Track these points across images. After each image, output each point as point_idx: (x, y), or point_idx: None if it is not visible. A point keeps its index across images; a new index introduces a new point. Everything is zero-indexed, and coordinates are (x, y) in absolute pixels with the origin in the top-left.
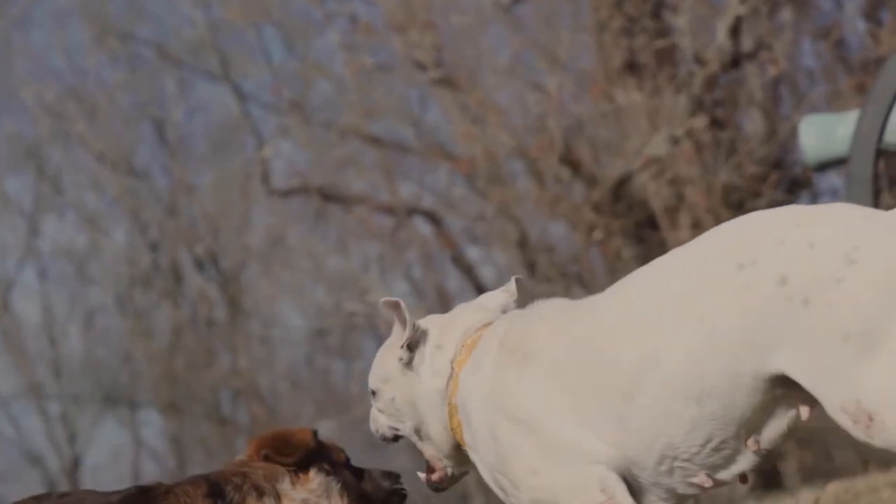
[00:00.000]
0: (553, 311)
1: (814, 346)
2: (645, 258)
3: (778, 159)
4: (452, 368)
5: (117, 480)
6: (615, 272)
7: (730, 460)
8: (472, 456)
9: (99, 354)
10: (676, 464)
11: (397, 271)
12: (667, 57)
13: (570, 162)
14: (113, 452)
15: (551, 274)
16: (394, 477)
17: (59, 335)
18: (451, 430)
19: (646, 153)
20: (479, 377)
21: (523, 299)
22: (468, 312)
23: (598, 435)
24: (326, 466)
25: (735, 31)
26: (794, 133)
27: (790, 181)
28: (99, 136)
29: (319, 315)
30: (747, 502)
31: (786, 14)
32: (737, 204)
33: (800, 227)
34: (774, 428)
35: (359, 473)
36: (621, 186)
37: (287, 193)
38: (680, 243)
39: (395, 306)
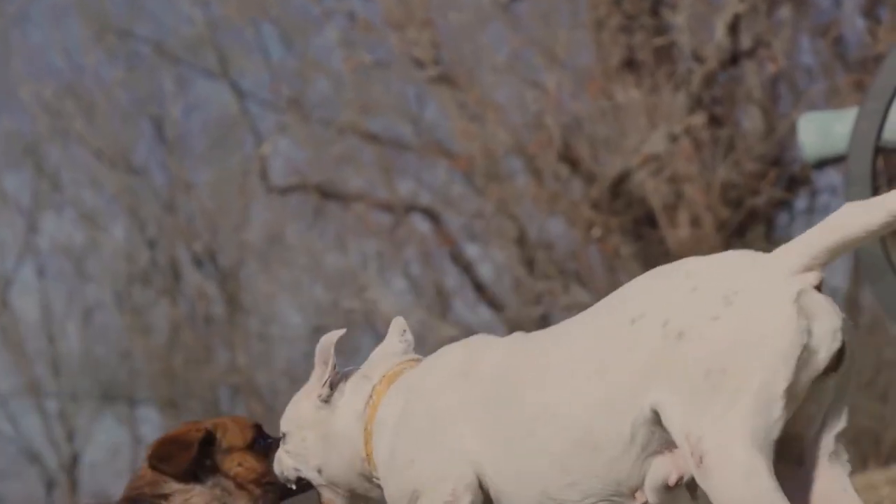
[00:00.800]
0: (477, 345)
1: (680, 377)
2: (643, 255)
3: (777, 156)
4: (372, 396)
5: (115, 477)
6: (614, 269)
7: None
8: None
9: (97, 351)
10: None
11: (395, 268)
12: (665, 54)
13: (569, 159)
14: (111, 449)
15: (550, 271)
16: None
17: (57, 332)
18: (365, 456)
19: (644, 150)
20: (396, 402)
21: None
22: (387, 357)
23: (485, 459)
24: (221, 473)
25: (734, 29)
26: (792, 130)
27: (789, 178)
28: (97, 134)
29: (318, 312)
30: None
31: (784, 11)
32: (735, 201)
33: (688, 278)
34: (654, 481)
35: (270, 447)
36: (620, 184)
37: (285, 191)
38: (679, 241)
39: (325, 348)
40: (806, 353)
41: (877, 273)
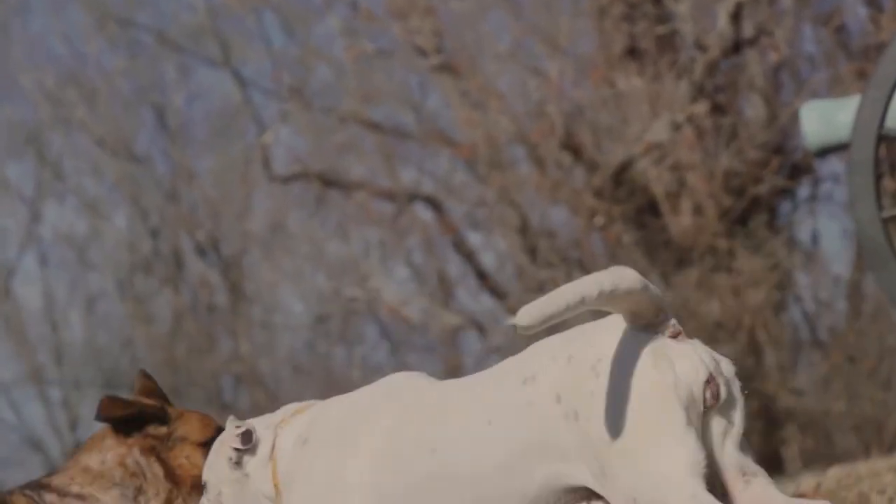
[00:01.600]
0: (388, 389)
1: (591, 456)
2: (646, 243)
3: (779, 145)
4: (276, 433)
5: None
6: (616, 257)
7: None
8: None
9: (100, 340)
10: None
11: (398, 257)
12: (668, 42)
13: (571, 147)
14: None
15: (552, 259)
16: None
17: (60, 321)
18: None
19: (647, 139)
20: (295, 453)
21: None
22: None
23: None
24: (159, 459)
25: (736, 17)
26: (795, 119)
27: (791, 167)
28: (99, 122)
29: (320, 301)
30: None
31: (786, 0)
32: (737, 189)
33: (567, 343)
34: None
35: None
36: (622, 172)
37: (287, 179)
38: (681, 229)
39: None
40: (680, 390)
41: (880, 261)
